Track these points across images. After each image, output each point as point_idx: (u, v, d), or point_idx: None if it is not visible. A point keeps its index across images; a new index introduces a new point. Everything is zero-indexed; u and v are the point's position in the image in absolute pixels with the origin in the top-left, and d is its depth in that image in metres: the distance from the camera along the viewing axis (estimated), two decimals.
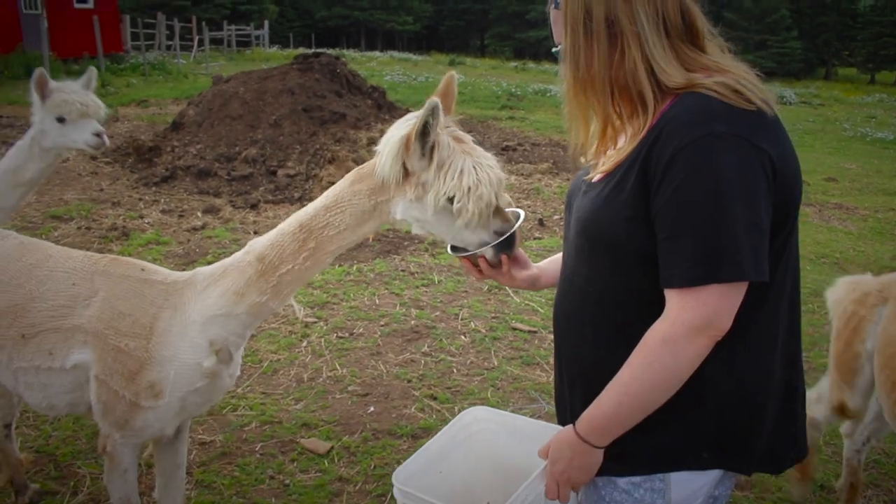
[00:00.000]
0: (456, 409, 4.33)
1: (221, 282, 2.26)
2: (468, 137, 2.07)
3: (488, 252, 1.93)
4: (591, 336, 1.71)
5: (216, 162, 9.96)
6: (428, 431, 4.07)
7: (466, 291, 6.55)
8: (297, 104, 11.00)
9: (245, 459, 3.73)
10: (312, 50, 25.23)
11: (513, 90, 23.92)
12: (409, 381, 4.70)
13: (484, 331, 5.67)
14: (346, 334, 5.38)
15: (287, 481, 3.58)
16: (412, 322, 5.72)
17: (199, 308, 2.27)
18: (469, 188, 1.92)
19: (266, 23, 43.77)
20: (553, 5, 1.72)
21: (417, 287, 6.49)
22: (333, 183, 8.52)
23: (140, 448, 2.51)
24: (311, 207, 2.19)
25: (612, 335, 1.67)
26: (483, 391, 4.64)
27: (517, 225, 1.91)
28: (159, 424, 2.35)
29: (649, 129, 1.57)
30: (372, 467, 3.72)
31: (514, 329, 5.73)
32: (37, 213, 8.10)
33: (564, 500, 1.68)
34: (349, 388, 4.57)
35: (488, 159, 1.99)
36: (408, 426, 4.13)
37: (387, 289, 6.39)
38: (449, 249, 2.03)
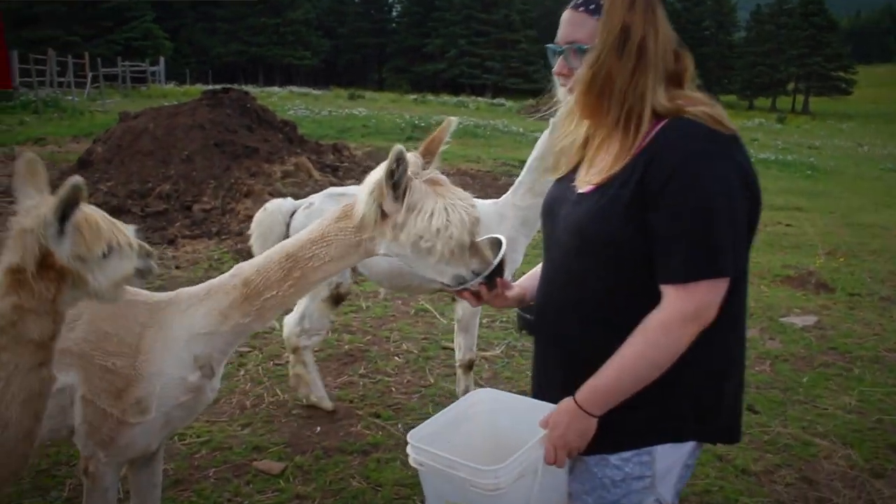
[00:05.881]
0: (400, 425, 4.50)
1: (206, 302, 2.37)
2: (445, 180, 2.23)
3: (481, 280, 2.12)
4: (583, 325, 1.95)
5: (129, 199, 9.83)
6: (377, 447, 4.23)
7: (394, 315, 6.73)
8: (208, 139, 11.00)
9: (200, 485, 3.78)
10: (210, 86, 25.04)
11: (416, 122, 24.34)
12: (351, 402, 4.84)
13: (416, 351, 5.86)
14: (283, 361, 5.46)
15: (245, 503, 3.66)
16: (346, 347, 5.85)
17: (184, 326, 2.37)
18: (438, 230, 2.08)
19: (161, 59, 42.99)
20: (582, 8, 1.98)
21: (346, 313, 6.62)
22: (251, 216, 8.59)
23: (121, 468, 2.58)
24: (297, 238, 2.33)
25: (602, 324, 1.91)
26: (424, 407, 4.83)
27: (503, 251, 2.13)
28: (144, 441, 2.43)
29: (642, 147, 1.83)
30: (328, 483, 3.84)
31: (445, 348, 5.94)
32: None
33: (560, 463, 1.90)
34: (293, 412, 4.67)
35: (464, 200, 2.17)
36: (357, 443, 4.26)
37: None
38: (446, 287, 2.20)
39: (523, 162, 17.55)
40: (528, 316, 6.77)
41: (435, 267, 2.15)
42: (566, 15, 2.02)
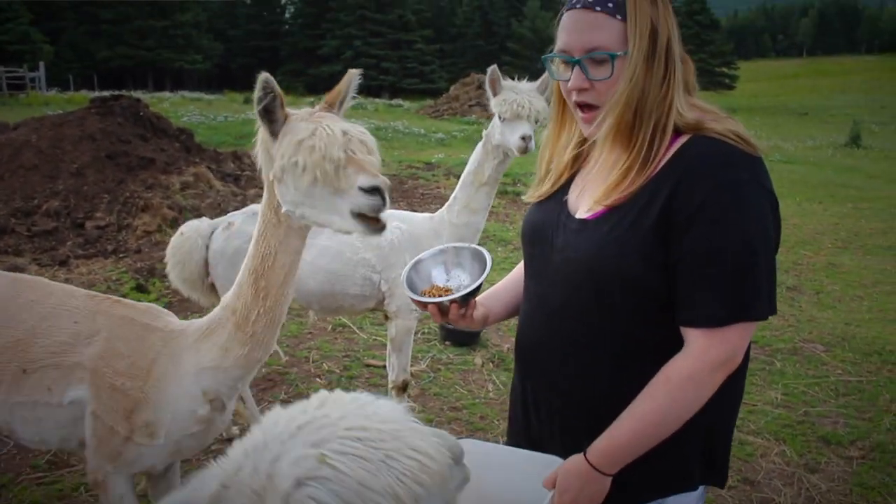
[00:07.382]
0: None
1: (211, 336, 2.35)
2: (334, 116, 2.15)
3: (457, 299, 1.82)
4: (587, 370, 1.73)
5: (12, 217, 9.10)
6: None
7: (311, 332, 6.42)
8: (99, 151, 10.33)
9: None
10: (96, 92, 23.93)
11: None
12: None
13: (338, 371, 5.59)
14: None
15: None
16: (263, 370, 5.51)
17: (192, 359, 2.36)
18: (300, 141, 2.00)
19: (41, 64, 40.77)
20: (599, 7, 1.61)
21: None
22: (149, 232, 8.02)
23: (133, 478, 2.54)
24: (249, 250, 2.28)
25: (610, 369, 1.70)
26: None
27: (487, 271, 1.84)
28: (151, 461, 2.45)
29: (660, 165, 1.62)
30: None
31: (368, 366, 5.69)
32: None
33: None
34: (212, 447, 4.31)
35: (343, 123, 2.09)
36: None
37: None
38: (411, 295, 1.87)
39: (429, 164, 17.32)
40: (451, 327, 6.50)
41: (325, 198, 2.05)
42: (574, 16, 1.65)
